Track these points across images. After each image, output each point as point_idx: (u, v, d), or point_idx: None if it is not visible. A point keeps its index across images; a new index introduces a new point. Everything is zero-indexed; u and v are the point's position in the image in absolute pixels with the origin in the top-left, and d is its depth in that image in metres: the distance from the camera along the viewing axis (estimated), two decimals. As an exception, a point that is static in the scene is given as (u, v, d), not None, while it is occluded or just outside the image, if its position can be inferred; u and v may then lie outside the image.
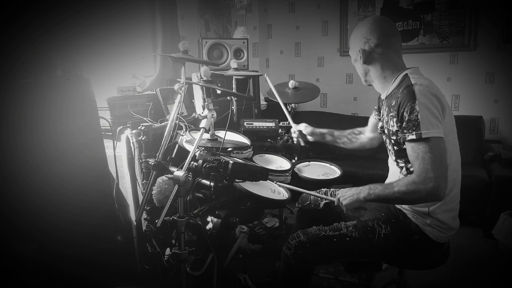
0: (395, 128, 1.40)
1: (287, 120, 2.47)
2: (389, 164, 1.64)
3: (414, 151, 1.32)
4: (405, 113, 1.33)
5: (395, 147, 1.47)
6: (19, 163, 1.54)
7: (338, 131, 1.96)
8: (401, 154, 1.45)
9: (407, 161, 1.42)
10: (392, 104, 1.41)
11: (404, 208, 1.51)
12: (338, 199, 1.53)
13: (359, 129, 1.92)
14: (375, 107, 1.74)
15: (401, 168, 1.50)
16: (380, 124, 1.61)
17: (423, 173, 1.28)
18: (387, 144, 1.57)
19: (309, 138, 1.99)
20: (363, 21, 1.55)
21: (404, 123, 1.34)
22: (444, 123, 1.34)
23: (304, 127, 1.99)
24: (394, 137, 1.44)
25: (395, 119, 1.39)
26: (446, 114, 1.35)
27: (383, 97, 1.56)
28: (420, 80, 1.38)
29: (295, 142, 2.12)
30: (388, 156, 1.63)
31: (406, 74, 1.44)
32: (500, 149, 3.13)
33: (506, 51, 3.31)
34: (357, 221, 1.54)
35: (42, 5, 1.74)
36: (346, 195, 1.50)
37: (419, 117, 1.29)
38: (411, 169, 1.37)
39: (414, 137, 1.30)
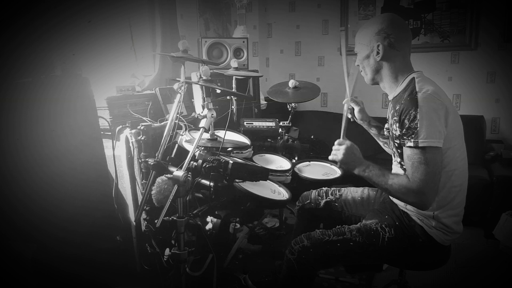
0: (398, 133, 1.40)
1: (287, 119, 2.47)
2: (393, 165, 1.62)
3: (410, 159, 1.33)
4: (406, 120, 1.33)
5: (399, 150, 1.46)
6: (18, 162, 1.54)
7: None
8: None
9: None
10: (396, 108, 1.41)
11: (409, 210, 1.50)
12: (338, 158, 1.50)
13: None
14: None
15: (405, 170, 1.49)
16: (386, 125, 1.59)
17: (415, 182, 1.30)
18: (391, 146, 1.55)
19: (357, 115, 1.80)
20: (378, 17, 1.52)
21: (404, 130, 1.34)
22: (447, 130, 1.33)
23: (358, 110, 1.78)
24: (397, 141, 1.43)
25: (397, 124, 1.39)
26: (450, 121, 1.34)
27: (390, 97, 1.54)
28: (425, 86, 1.37)
29: (349, 116, 1.83)
30: (390, 156, 1.62)
31: (413, 78, 1.43)
32: (501, 149, 3.11)
33: (507, 51, 3.29)
34: (360, 224, 1.54)
35: (42, 5, 1.73)
36: (348, 161, 1.48)
37: (418, 126, 1.29)
38: None
39: (411, 144, 1.31)
